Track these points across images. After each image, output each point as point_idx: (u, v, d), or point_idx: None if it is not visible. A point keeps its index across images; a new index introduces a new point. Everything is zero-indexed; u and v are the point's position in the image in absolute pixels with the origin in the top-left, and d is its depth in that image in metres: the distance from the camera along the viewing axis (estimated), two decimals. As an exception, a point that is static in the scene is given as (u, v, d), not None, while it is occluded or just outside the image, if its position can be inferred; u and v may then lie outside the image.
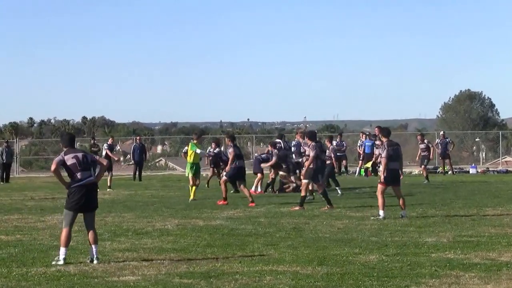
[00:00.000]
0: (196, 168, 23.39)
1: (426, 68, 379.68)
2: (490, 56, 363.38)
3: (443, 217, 16.86)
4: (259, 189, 25.72)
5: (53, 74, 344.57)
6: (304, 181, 19.33)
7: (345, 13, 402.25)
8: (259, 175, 25.78)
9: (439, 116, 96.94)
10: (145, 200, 23.68)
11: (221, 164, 26.78)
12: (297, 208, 18.99)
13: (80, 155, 11.33)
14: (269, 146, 23.58)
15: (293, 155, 25.37)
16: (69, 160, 11.22)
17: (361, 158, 35.96)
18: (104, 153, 30.65)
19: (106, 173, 27.05)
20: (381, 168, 17.14)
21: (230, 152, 21.57)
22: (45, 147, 73.00)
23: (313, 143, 19.28)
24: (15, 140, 56.75)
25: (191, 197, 22.77)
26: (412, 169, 39.53)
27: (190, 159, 23.42)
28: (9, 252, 12.35)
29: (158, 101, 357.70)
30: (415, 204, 19.95)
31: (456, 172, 37.70)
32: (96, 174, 11.68)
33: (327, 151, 22.86)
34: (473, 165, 41.72)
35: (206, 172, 31.20)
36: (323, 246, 12.50)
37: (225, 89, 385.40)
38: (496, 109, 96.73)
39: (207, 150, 28.38)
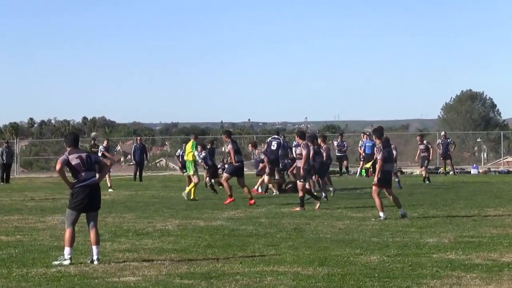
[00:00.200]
0: (195, 166, 23.51)
1: (427, 68, 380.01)
2: (491, 56, 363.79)
3: (445, 218, 16.84)
4: (259, 190, 25.68)
5: (53, 74, 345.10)
6: (300, 183, 19.30)
7: (346, 13, 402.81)
8: (266, 177, 25.67)
9: (441, 116, 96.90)
10: (146, 200, 23.67)
11: (205, 167, 26.22)
12: (298, 208, 18.98)
13: (84, 155, 11.37)
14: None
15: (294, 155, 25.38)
16: (74, 160, 11.24)
17: (362, 159, 35.94)
18: (100, 154, 30.55)
19: None
20: (376, 170, 17.13)
21: (230, 148, 21.50)
22: (46, 147, 73.01)
23: (304, 142, 19.35)
24: (15, 141, 56.72)
25: (191, 196, 22.76)
26: (413, 170, 39.50)
27: (189, 157, 23.50)
28: (9, 253, 12.33)
29: (158, 101, 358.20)
30: (416, 205, 19.94)
31: (457, 172, 37.68)
32: (99, 175, 11.72)
33: (321, 150, 22.82)
34: (474, 165, 41.70)
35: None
36: (324, 247, 12.47)
37: (226, 89, 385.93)
38: (498, 109, 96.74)
39: (180, 153, 28.83)
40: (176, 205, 21.31)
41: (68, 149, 11.44)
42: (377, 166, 17.05)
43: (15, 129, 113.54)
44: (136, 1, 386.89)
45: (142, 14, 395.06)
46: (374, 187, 17.02)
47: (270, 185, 25.68)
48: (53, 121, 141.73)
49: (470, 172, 38.74)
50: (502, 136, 50.12)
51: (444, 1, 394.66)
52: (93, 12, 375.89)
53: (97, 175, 11.57)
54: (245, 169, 22.88)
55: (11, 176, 39.57)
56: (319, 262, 10.88)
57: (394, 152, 26.53)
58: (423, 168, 31.41)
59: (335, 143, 37.74)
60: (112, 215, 18.27)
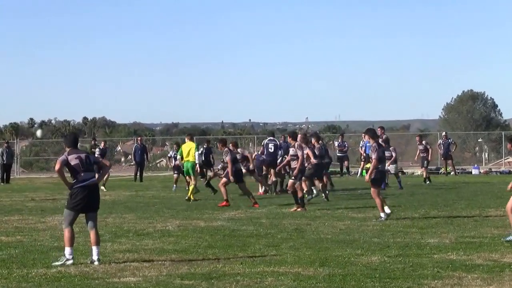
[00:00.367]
0: (193, 167, 23.48)
1: (429, 68, 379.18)
2: (492, 56, 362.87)
3: (446, 218, 16.82)
4: (260, 190, 25.66)
5: (53, 74, 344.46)
6: (291, 181, 19.28)
7: (346, 13, 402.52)
8: (272, 178, 25.64)
9: (442, 116, 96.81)
10: (146, 201, 23.66)
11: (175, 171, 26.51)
12: (298, 209, 18.95)
13: (83, 155, 11.39)
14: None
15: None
16: (73, 160, 11.27)
17: (362, 159, 35.89)
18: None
19: None
20: (370, 170, 17.13)
21: (228, 160, 21.03)
22: (46, 148, 73.05)
23: (298, 143, 19.38)
24: (15, 141, 56.74)
25: (189, 196, 22.75)
26: (415, 170, 39.48)
27: (189, 158, 23.45)
28: (10, 253, 12.31)
29: (159, 101, 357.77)
30: (418, 205, 19.93)
31: (458, 173, 37.67)
32: (99, 175, 11.75)
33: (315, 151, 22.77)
34: (475, 165, 41.66)
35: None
36: (325, 247, 12.46)
37: (227, 90, 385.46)
38: (499, 109, 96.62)
39: (172, 154, 29.35)
40: (176, 205, 21.31)
41: (68, 149, 11.46)
42: (372, 166, 17.04)
43: (15, 129, 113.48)
44: (136, 1, 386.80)
45: (142, 14, 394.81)
46: (373, 189, 17.00)
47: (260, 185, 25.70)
48: (53, 122, 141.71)
49: (471, 172, 38.73)
50: (503, 136, 49.97)
51: (445, 1, 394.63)
52: (93, 12, 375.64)
53: (96, 175, 11.59)
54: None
55: (11, 177, 39.57)
56: (320, 263, 10.86)
57: (393, 153, 26.60)
58: (423, 168, 31.42)
59: (336, 144, 37.74)
60: (112, 216, 18.27)
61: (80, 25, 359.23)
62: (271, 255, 11.72)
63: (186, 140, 24.41)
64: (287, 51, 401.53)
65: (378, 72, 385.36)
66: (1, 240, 14.09)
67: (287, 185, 25.75)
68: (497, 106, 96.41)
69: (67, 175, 11.37)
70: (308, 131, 75.26)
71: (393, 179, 27.28)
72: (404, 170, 39.03)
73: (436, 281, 9.45)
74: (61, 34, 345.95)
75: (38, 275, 10.26)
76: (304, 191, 21.44)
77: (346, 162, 37.10)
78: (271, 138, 26.55)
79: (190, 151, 23.55)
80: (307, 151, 20.07)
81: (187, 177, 24.66)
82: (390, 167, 26.53)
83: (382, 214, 16.68)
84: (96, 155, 30.05)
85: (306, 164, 20.17)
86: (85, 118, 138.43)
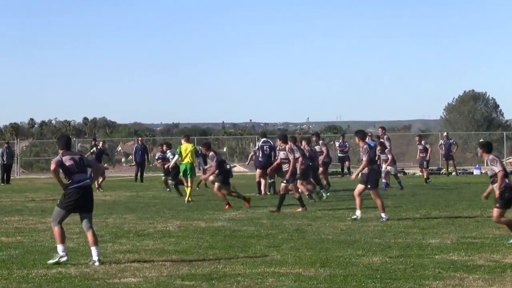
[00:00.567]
0: (191, 168, 23.39)
1: (430, 68, 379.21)
2: (494, 56, 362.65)
3: (447, 219, 16.80)
4: (264, 191, 25.59)
5: (53, 74, 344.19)
6: (283, 185, 19.24)
7: (347, 13, 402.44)
8: (257, 178, 25.60)
9: (443, 117, 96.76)
10: (147, 201, 23.64)
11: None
12: (299, 209, 18.95)
13: (77, 157, 11.53)
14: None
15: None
16: (67, 161, 11.39)
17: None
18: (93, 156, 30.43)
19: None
20: (358, 170, 17.14)
21: (214, 164, 20.82)
22: (46, 148, 73.10)
23: (289, 146, 19.38)
24: (15, 141, 56.77)
25: (187, 197, 22.70)
26: (416, 170, 39.43)
27: (187, 160, 23.36)
28: (10, 254, 12.31)
29: (159, 101, 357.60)
30: (419, 206, 19.92)
31: (460, 173, 37.63)
32: (92, 177, 11.90)
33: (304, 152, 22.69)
34: (477, 166, 41.56)
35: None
36: (326, 248, 12.44)
37: (227, 90, 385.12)
38: (501, 109, 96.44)
39: (158, 155, 29.27)
40: (177, 206, 21.29)
41: (61, 151, 11.58)
42: (361, 167, 17.01)
43: (16, 130, 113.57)
44: (136, 1, 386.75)
45: (142, 14, 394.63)
46: (372, 190, 16.98)
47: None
48: (53, 122, 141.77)
49: (472, 172, 38.69)
50: (505, 137, 50.02)
51: (446, 1, 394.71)
52: (93, 12, 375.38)
53: (92, 175, 11.77)
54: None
55: (11, 177, 39.57)
56: (321, 263, 10.84)
57: (389, 155, 26.57)
58: (423, 168, 31.40)
59: (337, 144, 37.68)
60: (113, 216, 18.26)
61: (80, 25, 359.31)
62: (272, 256, 11.70)
63: (182, 141, 24.17)
64: (287, 51, 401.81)
65: (379, 72, 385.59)
66: (2, 240, 14.08)
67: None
68: (498, 106, 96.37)
69: (62, 176, 11.42)
70: (309, 131, 75.29)
71: (393, 179, 27.27)
72: (406, 171, 39.00)
73: (437, 282, 9.43)
74: (61, 34, 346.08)
75: (38, 275, 10.25)
76: (306, 194, 21.43)
77: (347, 163, 37.06)
78: (265, 139, 26.44)
79: (188, 152, 23.39)
80: (298, 155, 19.90)
81: (185, 180, 24.26)
82: (389, 168, 26.55)
83: (383, 215, 16.67)
84: (92, 152, 30.37)
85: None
86: (85, 119, 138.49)
